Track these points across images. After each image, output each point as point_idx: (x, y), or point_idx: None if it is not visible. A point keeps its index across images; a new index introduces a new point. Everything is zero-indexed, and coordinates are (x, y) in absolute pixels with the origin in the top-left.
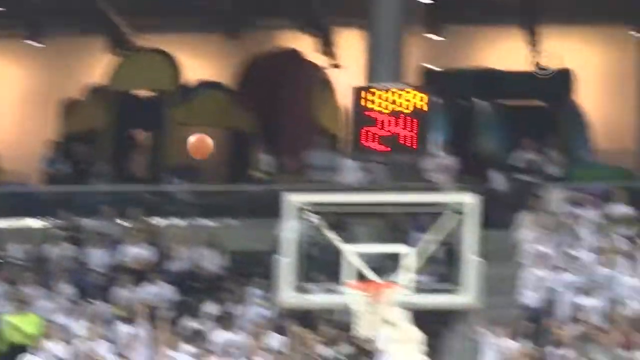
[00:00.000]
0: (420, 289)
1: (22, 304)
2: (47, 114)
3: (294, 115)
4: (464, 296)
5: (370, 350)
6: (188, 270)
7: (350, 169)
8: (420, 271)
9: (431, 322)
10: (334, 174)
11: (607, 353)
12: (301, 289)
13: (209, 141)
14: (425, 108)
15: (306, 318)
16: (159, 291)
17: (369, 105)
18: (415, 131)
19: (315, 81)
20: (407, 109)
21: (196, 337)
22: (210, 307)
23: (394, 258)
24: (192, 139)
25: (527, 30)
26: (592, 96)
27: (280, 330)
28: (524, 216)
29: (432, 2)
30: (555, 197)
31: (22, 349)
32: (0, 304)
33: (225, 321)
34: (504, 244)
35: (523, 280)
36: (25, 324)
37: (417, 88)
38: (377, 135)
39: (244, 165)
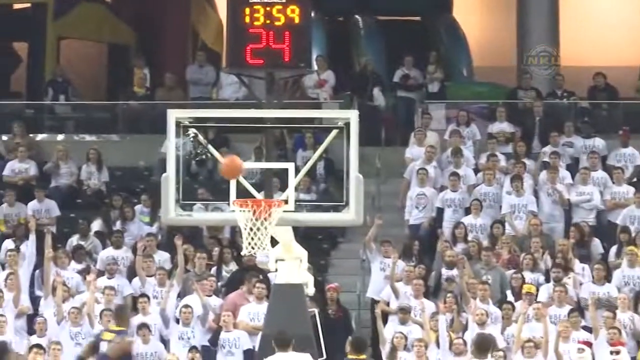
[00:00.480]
0: (305, 207)
1: None
2: None
3: (173, 29)
4: (349, 214)
5: (255, 267)
6: (71, 186)
7: (229, 85)
8: (303, 188)
9: (317, 240)
10: (213, 89)
11: (491, 272)
12: (185, 207)
13: (240, 162)
14: (302, 22)
15: (192, 236)
16: (42, 207)
17: (247, 19)
18: (292, 46)
19: None
20: (284, 22)
21: (81, 254)
22: (95, 224)
23: (278, 175)
24: (224, 160)
25: None
26: (471, 12)
27: (166, 248)
28: (406, 134)
29: None
30: (437, 114)
31: None
32: None
33: (110, 238)
34: (387, 162)
35: (408, 199)
36: None
37: (294, 2)
38: (255, 49)
39: (124, 79)
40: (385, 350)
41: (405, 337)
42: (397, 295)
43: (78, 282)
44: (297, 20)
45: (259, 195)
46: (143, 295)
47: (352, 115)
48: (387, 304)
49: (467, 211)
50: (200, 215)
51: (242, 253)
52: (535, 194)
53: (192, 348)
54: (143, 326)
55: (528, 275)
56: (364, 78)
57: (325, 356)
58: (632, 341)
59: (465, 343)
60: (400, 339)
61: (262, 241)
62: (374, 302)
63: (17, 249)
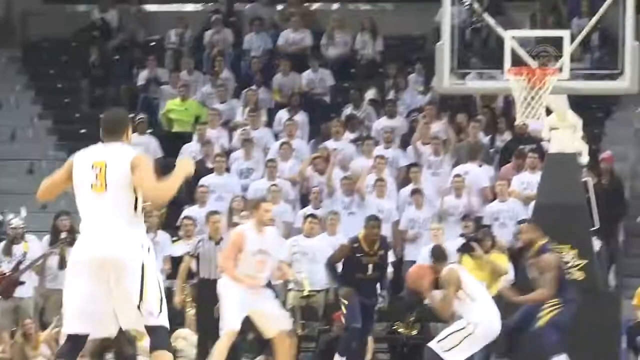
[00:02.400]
0: (579, 75)
1: (182, 90)
2: None
3: None
4: (624, 82)
5: (529, 136)
6: (345, 55)
7: None
8: (579, 57)
9: (591, 109)
10: None
11: None
12: (460, 75)
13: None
14: None
15: (465, 105)
16: (316, 77)
17: None
18: None
19: None
20: None
21: (356, 124)
22: (369, 93)
23: (553, 43)
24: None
25: None
26: None
27: (440, 117)
28: None
29: None
30: None
31: (183, 136)
32: (160, 91)
33: (384, 107)
34: None
35: None
36: (187, 110)
37: None
38: None
39: None
40: None
41: None
42: None
43: (352, 151)
44: None
45: (534, 64)
46: (414, 164)
47: None
48: None
49: None
50: (475, 84)
51: (516, 122)
52: None
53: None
54: (416, 192)
55: None
56: None
57: (598, 225)
58: None
59: None
60: None
61: (536, 110)
62: None
63: (293, 119)
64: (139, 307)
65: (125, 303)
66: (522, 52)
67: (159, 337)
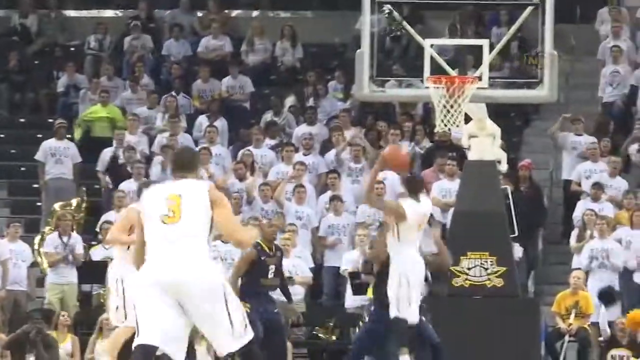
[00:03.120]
0: (498, 83)
1: (102, 96)
2: None
3: None
4: (542, 90)
5: (448, 144)
6: (265, 62)
7: None
8: (498, 66)
9: (510, 117)
10: None
11: None
12: (379, 83)
13: (405, 156)
14: None
15: (385, 112)
16: (236, 83)
17: None
18: None
19: None
20: None
21: (275, 131)
22: (289, 100)
23: (472, 52)
24: (390, 149)
25: None
26: None
27: (358, 124)
28: (599, 11)
29: None
30: None
31: (103, 141)
32: (81, 96)
33: (304, 114)
34: (581, 39)
35: (602, 76)
36: (106, 115)
37: None
38: None
39: None
40: (574, 231)
41: (597, 215)
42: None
43: (272, 158)
44: None
45: (453, 72)
46: (333, 171)
47: None
48: (579, 184)
49: None
50: (394, 92)
51: (435, 130)
52: None
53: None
54: (335, 198)
55: None
56: None
57: (517, 233)
58: None
59: None
60: (591, 216)
61: (455, 118)
62: (567, 183)
63: (213, 125)
64: (232, 333)
65: (216, 328)
66: (441, 61)
67: (249, 353)
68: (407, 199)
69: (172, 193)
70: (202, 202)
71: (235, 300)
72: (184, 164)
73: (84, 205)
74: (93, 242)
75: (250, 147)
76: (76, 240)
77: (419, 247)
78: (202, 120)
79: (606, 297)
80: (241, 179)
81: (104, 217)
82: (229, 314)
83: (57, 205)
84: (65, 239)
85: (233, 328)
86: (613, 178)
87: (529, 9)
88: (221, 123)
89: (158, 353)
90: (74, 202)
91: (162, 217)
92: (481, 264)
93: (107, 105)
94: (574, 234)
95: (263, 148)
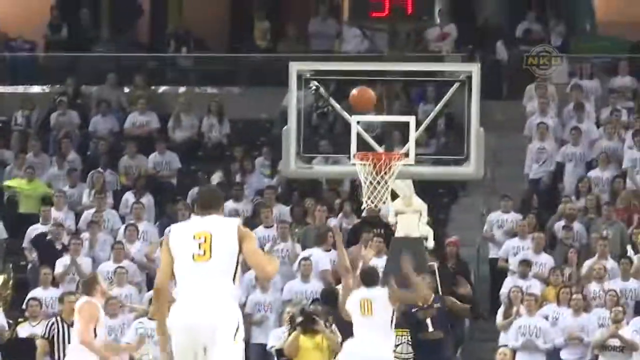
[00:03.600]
0: (425, 160)
1: (29, 172)
2: None
3: None
4: (469, 167)
5: (376, 220)
6: (192, 138)
7: (352, 37)
8: (424, 142)
9: (438, 194)
10: (335, 42)
11: (611, 227)
12: (306, 159)
13: (371, 94)
14: None
15: (312, 188)
16: (163, 159)
17: None
18: None
19: None
20: None
21: None
22: (215, 176)
23: (399, 128)
24: (354, 91)
25: None
26: None
27: (286, 201)
28: (527, 87)
29: None
30: (559, 68)
31: (29, 217)
32: (6, 172)
33: (231, 190)
34: (508, 116)
35: (528, 153)
36: (32, 191)
37: None
38: (378, 2)
39: (245, 32)
40: (501, 308)
41: (522, 292)
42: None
43: None
44: None
45: (380, 149)
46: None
47: (474, 69)
48: (506, 261)
49: (588, 165)
50: (321, 168)
51: (362, 206)
52: None
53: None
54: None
55: None
56: (486, 31)
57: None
58: None
59: (584, 298)
60: (517, 292)
61: (382, 194)
62: (494, 260)
63: (140, 202)
64: None
65: None
66: (368, 137)
67: None
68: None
69: (201, 230)
70: (231, 240)
71: (239, 352)
72: (210, 202)
73: (10, 282)
74: (20, 319)
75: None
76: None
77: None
78: (129, 197)
79: None
80: None
81: (30, 294)
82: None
83: None
84: None
85: None
86: (538, 254)
87: (456, 85)
88: (147, 199)
89: None
90: (0, 278)
91: (193, 255)
92: (407, 340)
93: (33, 181)
94: (501, 310)
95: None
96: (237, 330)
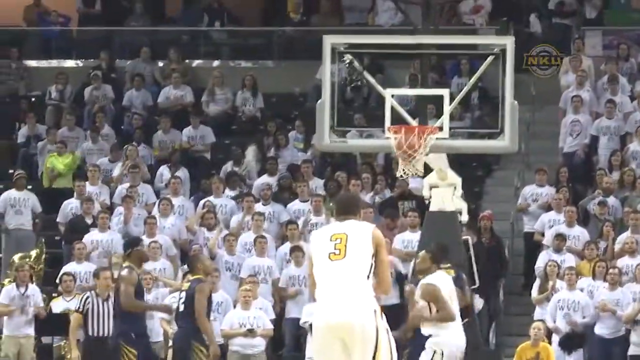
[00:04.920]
0: (459, 134)
1: (63, 146)
2: None
3: None
4: (503, 140)
5: (409, 194)
6: (226, 113)
7: (385, 11)
8: (459, 115)
9: (471, 167)
10: (368, 16)
11: None
12: (340, 133)
13: None
14: None
15: (346, 162)
16: (196, 133)
17: None
18: None
19: None
20: None
21: (235, 181)
22: (249, 150)
23: (433, 102)
24: None
25: None
26: None
27: (320, 175)
28: (563, 60)
29: None
30: (593, 41)
31: (63, 192)
32: (40, 147)
33: (265, 164)
34: (542, 89)
35: (562, 126)
36: (67, 166)
37: None
38: None
39: (279, 5)
40: (537, 282)
41: (559, 266)
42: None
43: (232, 207)
44: None
45: (414, 122)
46: (292, 222)
47: (508, 42)
48: (542, 235)
49: (622, 139)
50: (355, 142)
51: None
52: None
53: None
54: (295, 249)
55: None
56: (520, 4)
57: (477, 284)
58: None
59: (620, 273)
60: (554, 267)
61: (416, 168)
62: (528, 235)
63: (177, 176)
64: None
65: None
66: (401, 110)
67: None
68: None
69: (338, 232)
70: (366, 242)
71: (386, 344)
72: (348, 207)
73: (43, 256)
74: (54, 294)
75: (211, 198)
76: (34, 292)
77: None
78: (164, 171)
79: (568, 343)
80: (210, 228)
81: (64, 269)
82: (374, 355)
83: (16, 257)
84: (22, 290)
85: None
86: (571, 228)
87: (490, 58)
88: (183, 173)
89: None
90: (33, 253)
91: (329, 254)
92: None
93: (67, 155)
94: (536, 285)
95: (223, 198)
96: (377, 329)
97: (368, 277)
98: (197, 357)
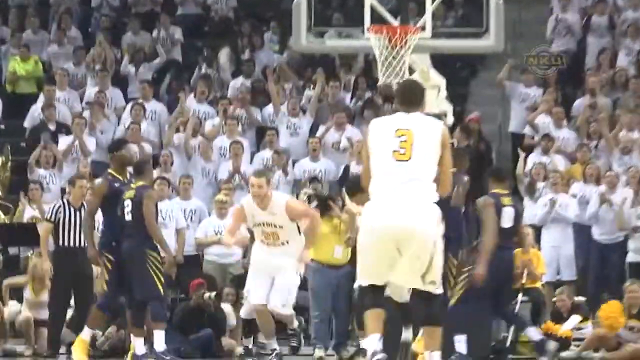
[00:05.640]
0: (443, 33)
1: (26, 50)
2: None
3: None
4: (489, 40)
5: (392, 96)
6: (198, 14)
7: None
8: (442, 14)
9: (456, 68)
10: None
11: (637, 99)
12: (318, 34)
13: None
14: None
15: (324, 64)
16: (167, 35)
17: None
18: None
19: None
20: None
21: (211, 84)
22: (223, 53)
23: (415, 0)
24: None
25: None
26: None
27: (298, 76)
28: None
29: None
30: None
31: (28, 97)
32: (2, 51)
33: (239, 67)
34: None
35: (551, 25)
36: (28, 72)
37: None
38: None
39: None
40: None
41: (545, 168)
42: (537, 130)
43: (207, 110)
44: None
45: (395, 22)
46: (271, 128)
47: None
48: (532, 138)
49: (612, 36)
50: (333, 42)
51: (379, 83)
52: None
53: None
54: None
55: None
56: None
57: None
58: None
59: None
60: (540, 169)
61: (398, 69)
62: (516, 136)
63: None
64: (423, 276)
65: (411, 272)
66: (382, 10)
67: (434, 306)
68: None
69: (403, 127)
70: (434, 143)
71: (441, 253)
72: (413, 97)
73: (8, 164)
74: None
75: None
76: None
77: None
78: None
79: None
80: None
81: (31, 176)
82: (430, 262)
83: None
84: None
85: (426, 276)
86: (559, 129)
87: None
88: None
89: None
90: None
91: (393, 152)
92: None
93: (30, 59)
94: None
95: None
96: (434, 243)
97: (433, 181)
98: (152, 266)
